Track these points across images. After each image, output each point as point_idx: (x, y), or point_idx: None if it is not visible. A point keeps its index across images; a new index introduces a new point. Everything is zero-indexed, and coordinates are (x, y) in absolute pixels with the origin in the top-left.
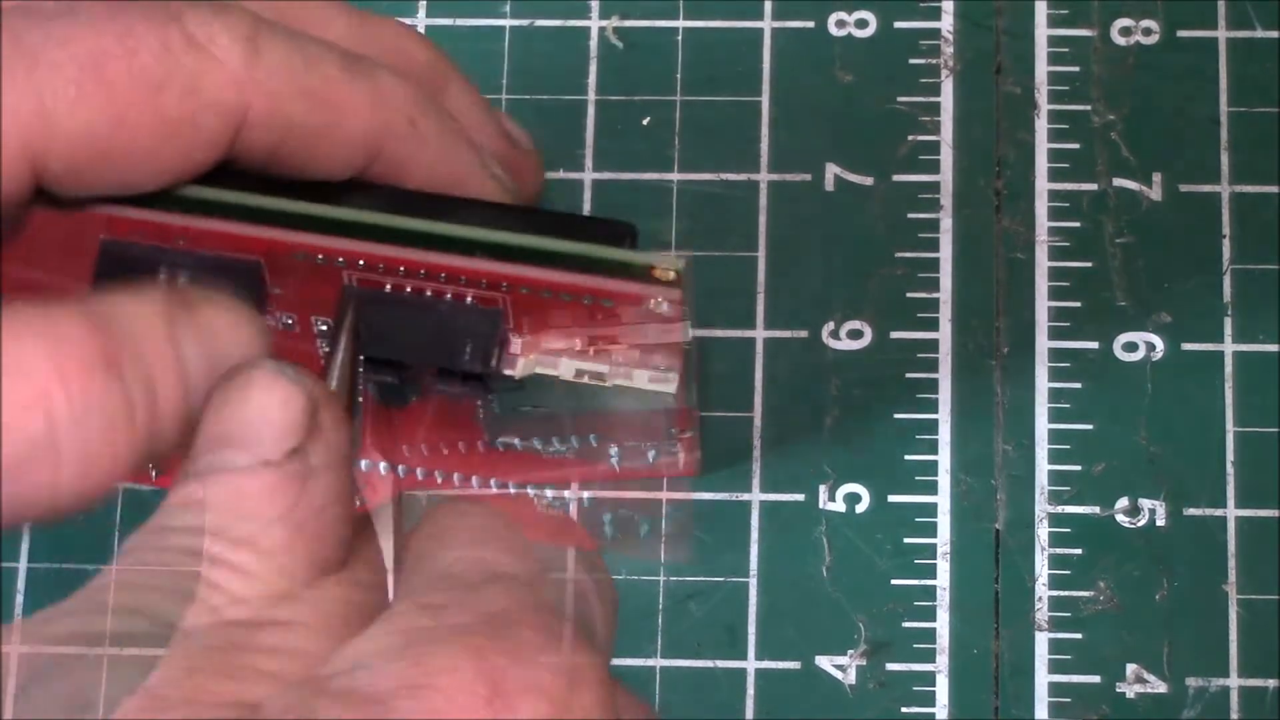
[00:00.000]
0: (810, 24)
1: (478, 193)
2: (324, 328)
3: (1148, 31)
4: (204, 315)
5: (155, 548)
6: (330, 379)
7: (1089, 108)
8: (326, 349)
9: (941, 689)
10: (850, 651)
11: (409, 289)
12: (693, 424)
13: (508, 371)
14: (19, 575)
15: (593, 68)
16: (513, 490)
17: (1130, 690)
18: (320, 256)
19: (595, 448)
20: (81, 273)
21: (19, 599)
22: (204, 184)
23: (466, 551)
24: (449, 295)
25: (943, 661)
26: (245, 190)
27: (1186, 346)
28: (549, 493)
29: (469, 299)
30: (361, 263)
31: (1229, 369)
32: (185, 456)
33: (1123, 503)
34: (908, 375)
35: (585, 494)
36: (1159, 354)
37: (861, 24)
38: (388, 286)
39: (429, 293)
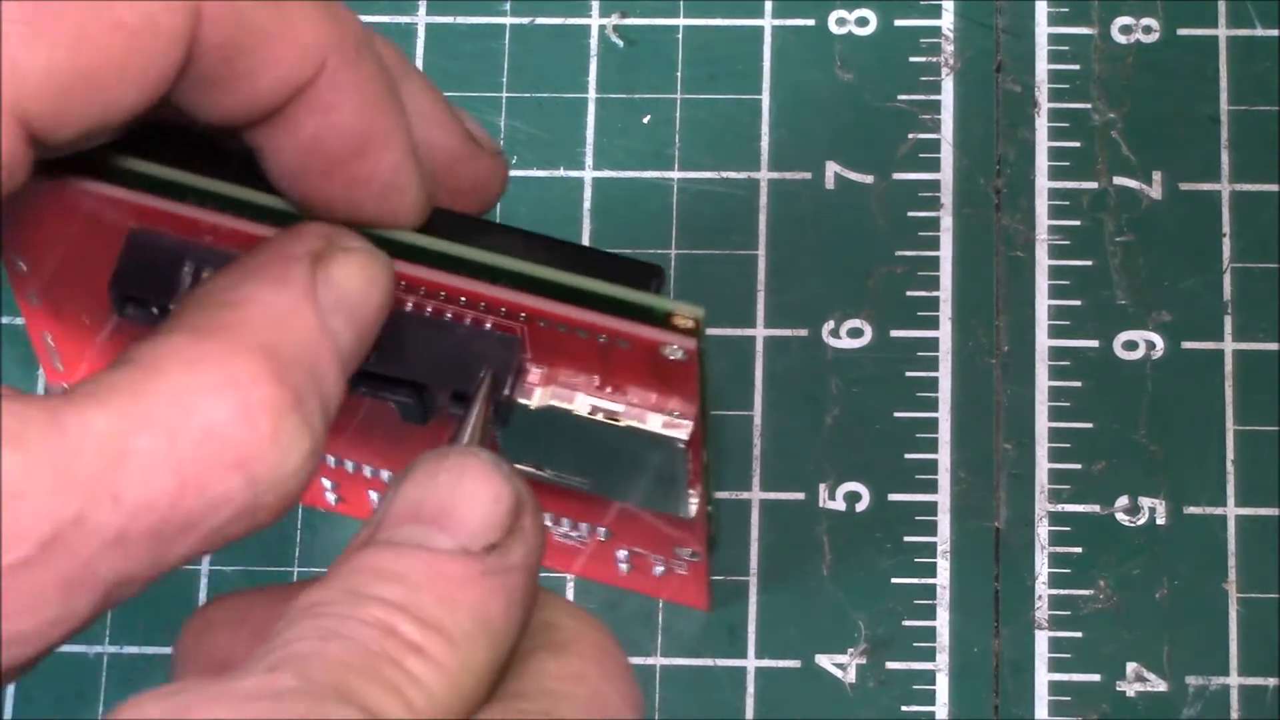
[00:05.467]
0: (810, 22)
1: (392, 166)
2: None
3: (1148, 30)
4: (338, 276)
5: (348, 615)
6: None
7: (1089, 106)
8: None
9: (941, 687)
10: (850, 650)
11: (429, 309)
12: (704, 547)
13: (523, 400)
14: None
15: (593, 65)
16: None
17: (1130, 689)
18: None
19: (603, 544)
20: (105, 257)
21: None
22: (238, 180)
23: (582, 670)
24: (468, 320)
25: (943, 660)
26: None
27: (1186, 345)
28: (564, 522)
29: (488, 325)
30: None
31: (1229, 367)
32: (377, 521)
33: (1123, 501)
34: (908, 374)
35: (601, 529)
36: (1159, 352)
37: (862, 22)
38: (409, 305)
39: (449, 315)
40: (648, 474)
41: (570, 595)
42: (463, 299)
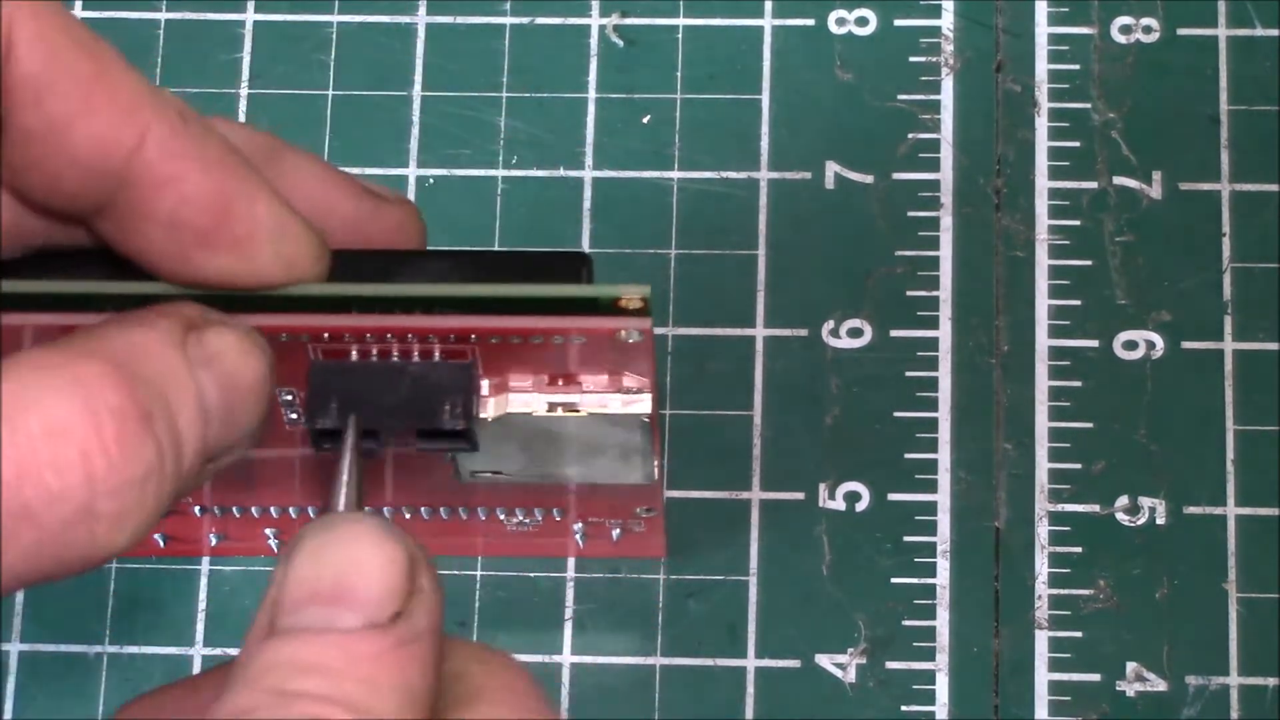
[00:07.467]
0: (810, 22)
1: (269, 214)
2: (288, 397)
3: (1148, 30)
4: (212, 341)
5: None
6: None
7: (1089, 106)
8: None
9: (941, 687)
10: (850, 650)
11: (376, 354)
12: (659, 503)
13: (481, 414)
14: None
15: (593, 65)
16: (482, 515)
17: (1130, 689)
18: (284, 336)
19: (559, 522)
20: None
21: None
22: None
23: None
24: (415, 354)
25: (942, 660)
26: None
27: (1186, 345)
28: (518, 512)
29: (436, 356)
30: (326, 335)
31: (1229, 367)
32: (274, 602)
33: (1122, 501)
34: (908, 374)
35: (556, 510)
36: (1159, 352)
37: (862, 22)
38: (353, 355)
39: (395, 355)
40: (610, 452)
41: (569, 597)
42: (409, 335)
